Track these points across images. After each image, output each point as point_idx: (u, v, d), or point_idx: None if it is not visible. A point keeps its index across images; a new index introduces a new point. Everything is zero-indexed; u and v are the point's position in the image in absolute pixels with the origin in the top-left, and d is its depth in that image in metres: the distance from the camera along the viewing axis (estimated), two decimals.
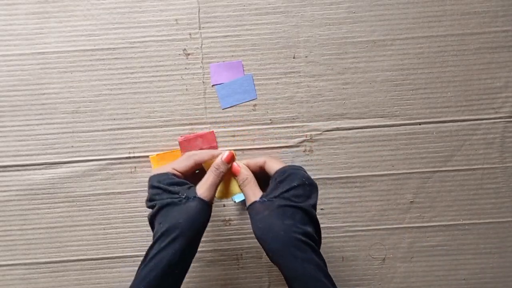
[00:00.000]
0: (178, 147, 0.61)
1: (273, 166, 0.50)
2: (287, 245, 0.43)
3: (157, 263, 0.44)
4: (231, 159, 0.50)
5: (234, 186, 0.55)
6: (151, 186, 0.48)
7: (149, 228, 0.49)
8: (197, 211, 0.46)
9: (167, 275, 0.44)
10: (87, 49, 0.60)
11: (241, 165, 0.51)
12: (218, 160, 0.50)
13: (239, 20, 0.60)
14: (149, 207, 0.49)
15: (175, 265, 0.44)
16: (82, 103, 0.61)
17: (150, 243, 0.46)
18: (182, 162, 0.50)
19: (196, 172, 0.54)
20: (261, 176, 0.51)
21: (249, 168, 0.51)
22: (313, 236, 0.45)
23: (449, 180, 0.62)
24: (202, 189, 0.48)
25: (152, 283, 0.43)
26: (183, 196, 0.46)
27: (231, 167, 0.51)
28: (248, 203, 0.48)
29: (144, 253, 0.46)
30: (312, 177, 0.50)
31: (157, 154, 0.61)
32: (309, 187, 0.47)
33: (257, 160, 0.52)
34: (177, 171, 0.49)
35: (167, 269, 0.44)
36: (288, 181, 0.47)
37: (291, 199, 0.45)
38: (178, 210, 0.46)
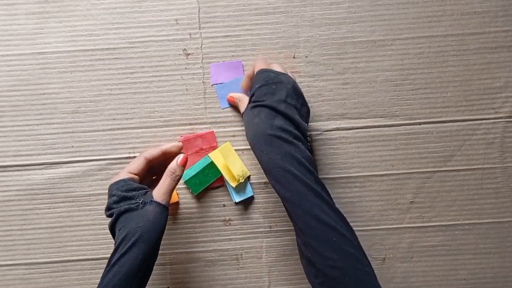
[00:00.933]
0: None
1: (256, 67, 0.55)
2: (257, 142, 0.49)
3: (119, 268, 0.45)
4: (185, 162, 0.51)
5: (236, 168, 0.59)
6: (110, 195, 0.49)
7: None
8: (155, 215, 0.47)
9: (130, 278, 0.45)
10: (87, 49, 0.60)
11: (236, 96, 0.58)
12: (173, 164, 0.50)
13: (239, 20, 0.60)
14: (108, 216, 0.49)
15: (137, 268, 0.45)
16: (82, 103, 0.61)
17: None
18: (134, 163, 0.51)
19: (154, 178, 0.55)
20: None
21: (249, 79, 0.57)
22: (281, 127, 0.48)
23: (449, 180, 0.62)
24: (159, 193, 0.49)
25: (116, 287, 0.44)
26: (140, 201, 0.47)
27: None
28: (241, 113, 0.56)
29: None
30: None
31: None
32: (274, 85, 0.51)
33: (251, 69, 0.56)
34: (132, 173, 0.50)
35: (129, 273, 0.45)
36: (254, 85, 0.52)
37: (255, 100, 0.51)
38: (136, 215, 0.47)
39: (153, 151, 0.52)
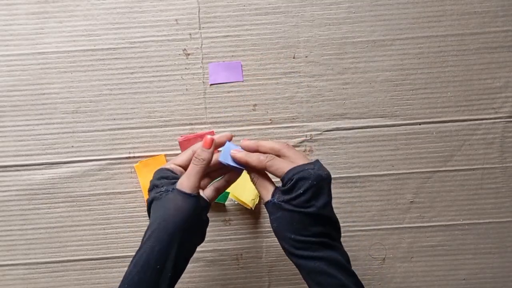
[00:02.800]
0: (163, 152, 0.61)
1: (282, 167, 0.46)
2: (296, 247, 0.44)
3: (137, 260, 0.44)
4: (210, 144, 0.47)
5: (246, 194, 0.57)
6: (150, 184, 0.48)
7: None
8: (175, 203, 0.44)
9: (149, 271, 0.43)
10: (87, 49, 0.60)
11: (244, 158, 0.47)
12: (197, 147, 0.48)
13: (239, 20, 0.60)
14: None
15: (154, 260, 0.43)
16: (82, 103, 0.61)
17: None
18: (182, 155, 0.49)
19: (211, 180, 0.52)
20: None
21: (258, 150, 0.48)
22: (324, 233, 0.45)
23: (449, 180, 0.62)
24: (182, 179, 0.46)
25: (135, 279, 0.43)
26: (163, 190, 0.45)
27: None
28: (263, 201, 0.47)
29: None
30: None
31: (140, 162, 0.61)
32: (317, 187, 0.44)
33: (267, 153, 0.48)
34: (177, 165, 0.49)
35: (146, 264, 0.43)
36: (297, 188, 0.44)
37: (299, 205, 0.44)
38: (158, 205, 0.45)
39: (200, 143, 0.49)
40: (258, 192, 0.48)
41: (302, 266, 0.44)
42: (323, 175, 0.45)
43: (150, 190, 0.47)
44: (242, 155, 0.47)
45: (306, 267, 0.44)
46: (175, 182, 0.46)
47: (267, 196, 0.46)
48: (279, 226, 0.45)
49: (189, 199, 0.45)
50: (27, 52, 0.60)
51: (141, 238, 0.45)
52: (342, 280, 0.43)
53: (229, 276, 0.63)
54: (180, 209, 0.45)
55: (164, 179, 0.46)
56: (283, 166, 0.46)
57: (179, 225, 0.44)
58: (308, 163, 0.46)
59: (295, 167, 0.45)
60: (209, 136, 0.47)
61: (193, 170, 0.46)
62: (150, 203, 0.46)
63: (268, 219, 0.47)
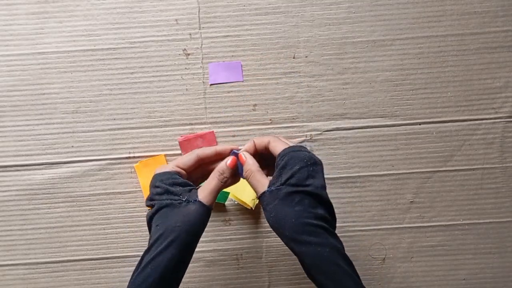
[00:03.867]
0: (163, 152, 0.61)
1: (276, 146, 0.48)
2: (299, 232, 0.43)
3: (153, 269, 0.43)
4: (235, 164, 0.48)
5: (246, 194, 0.57)
6: (153, 185, 0.47)
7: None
8: (196, 215, 0.45)
9: (164, 280, 0.43)
10: (87, 49, 0.60)
11: (245, 158, 0.48)
12: (222, 165, 0.48)
13: (239, 20, 0.60)
14: (148, 206, 0.48)
15: (172, 270, 0.43)
16: (82, 103, 0.61)
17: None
18: (185, 157, 0.49)
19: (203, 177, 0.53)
20: (268, 156, 0.49)
21: (255, 147, 0.49)
22: (325, 217, 0.44)
23: (449, 180, 0.62)
24: (204, 193, 0.46)
25: (155, 282, 0.42)
26: (184, 199, 0.45)
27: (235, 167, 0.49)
28: (257, 194, 0.47)
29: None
30: None
31: (140, 162, 0.61)
32: (312, 167, 0.45)
33: (262, 139, 0.49)
34: (180, 168, 0.48)
35: (164, 275, 0.43)
36: (290, 165, 0.45)
37: (297, 184, 0.44)
38: (176, 213, 0.45)
39: (206, 150, 0.50)
40: (252, 186, 0.47)
41: (306, 254, 0.43)
42: (316, 159, 0.46)
43: (160, 194, 0.46)
44: (246, 146, 0.49)
45: (310, 254, 0.43)
46: (191, 190, 0.46)
47: (263, 188, 0.46)
48: (277, 213, 0.44)
49: (208, 213, 0.46)
50: (27, 52, 0.60)
51: (151, 238, 0.44)
52: (345, 269, 0.43)
53: (229, 276, 0.63)
54: (201, 223, 0.46)
55: (178, 186, 0.46)
56: (279, 145, 0.47)
57: (198, 237, 0.46)
58: (302, 146, 0.47)
59: (290, 147, 0.47)
60: (233, 157, 0.48)
61: (216, 186, 0.47)
62: (162, 207, 0.45)
63: None
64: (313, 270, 0.43)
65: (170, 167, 0.48)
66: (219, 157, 0.50)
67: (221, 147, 0.50)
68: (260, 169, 0.48)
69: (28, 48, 0.60)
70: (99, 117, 0.61)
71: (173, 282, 0.45)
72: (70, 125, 0.61)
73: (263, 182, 0.47)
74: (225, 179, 0.48)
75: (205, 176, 0.51)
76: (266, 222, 0.62)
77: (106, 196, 0.61)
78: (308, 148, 0.62)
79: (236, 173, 0.49)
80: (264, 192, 0.46)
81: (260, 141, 0.49)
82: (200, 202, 0.45)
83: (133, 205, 0.62)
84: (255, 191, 0.47)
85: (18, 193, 0.61)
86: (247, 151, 0.49)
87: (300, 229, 0.43)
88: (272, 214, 0.45)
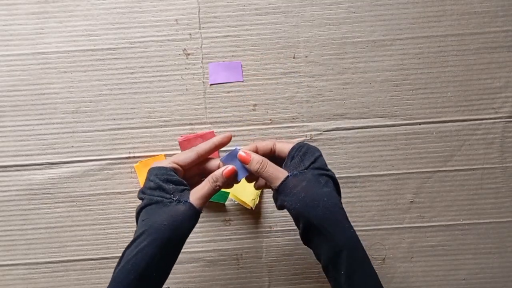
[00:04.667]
0: (163, 152, 0.61)
1: (284, 146, 0.48)
2: (333, 212, 0.43)
3: (134, 266, 0.42)
4: (231, 174, 0.47)
5: (246, 194, 0.57)
6: (148, 178, 0.46)
7: None
8: (184, 217, 0.44)
9: (145, 278, 0.42)
10: (87, 49, 0.60)
11: (249, 153, 0.47)
12: (218, 172, 0.47)
13: (239, 20, 0.60)
14: (139, 198, 0.46)
15: (153, 267, 0.42)
16: (82, 103, 0.61)
17: None
18: (184, 154, 0.48)
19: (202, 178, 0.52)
20: (271, 160, 0.48)
21: (257, 151, 0.49)
22: (342, 204, 0.45)
23: (449, 180, 0.62)
24: (196, 196, 0.45)
25: (130, 286, 0.41)
26: (174, 198, 0.44)
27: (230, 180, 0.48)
28: (277, 182, 0.45)
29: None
30: None
31: (140, 162, 0.61)
32: (324, 160, 0.48)
33: (267, 143, 0.49)
34: (177, 164, 0.47)
35: (144, 272, 0.42)
36: (311, 153, 0.46)
37: (321, 167, 0.45)
38: (165, 211, 0.44)
39: (205, 145, 0.49)
40: (269, 176, 0.46)
41: (339, 234, 0.42)
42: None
43: (152, 188, 0.45)
44: (248, 148, 0.48)
45: (344, 234, 0.42)
46: (183, 190, 0.46)
47: (284, 174, 0.45)
48: (308, 193, 0.43)
49: (197, 216, 0.45)
50: (27, 52, 0.60)
51: (136, 233, 0.44)
52: (366, 255, 0.44)
53: (229, 276, 0.63)
54: (188, 224, 0.44)
55: (172, 184, 0.45)
56: (287, 144, 0.48)
57: (183, 239, 0.45)
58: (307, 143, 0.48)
59: (301, 141, 0.48)
60: (231, 167, 0.47)
61: (209, 191, 0.46)
62: (152, 203, 0.44)
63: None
64: (345, 250, 0.42)
65: (167, 162, 0.47)
66: (218, 148, 0.49)
67: (218, 138, 0.49)
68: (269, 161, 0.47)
69: (28, 48, 0.60)
70: (99, 117, 0.61)
71: (154, 280, 0.44)
72: (70, 125, 0.61)
73: (280, 169, 0.46)
74: (218, 186, 0.47)
75: (200, 174, 0.50)
76: (266, 222, 0.62)
77: (106, 196, 0.61)
78: None
79: (230, 182, 0.48)
80: (287, 177, 0.45)
81: (264, 144, 0.49)
82: (190, 203, 0.44)
83: (133, 205, 0.62)
84: (272, 181, 0.46)
85: (18, 193, 0.61)
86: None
87: (333, 209, 0.43)
88: (301, 195, 0.43)
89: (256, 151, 0.48)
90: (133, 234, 0.63)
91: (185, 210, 0.44)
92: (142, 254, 0.42)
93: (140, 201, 0.46)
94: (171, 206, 0.44)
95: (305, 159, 0.46)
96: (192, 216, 0.44)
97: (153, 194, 0.45)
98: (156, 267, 0.42)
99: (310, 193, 0.43)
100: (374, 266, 0.44)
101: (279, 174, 0.45)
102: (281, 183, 0.45)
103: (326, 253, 0.43)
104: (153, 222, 0.43)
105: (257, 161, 0.46)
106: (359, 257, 0.43)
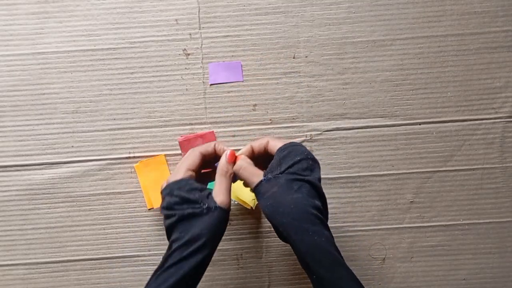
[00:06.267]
0: (163, 152, 0.61)
1: (275, 144, 0.49)
2: (298, 219, 0.43)
3: (177, 270, 0.43)
4: (234, 157, 0.49)
5: (247, 193, 0.57)
6: (169, 194, 0.47)
7: (150, 228, 0.49)
8: (219, 222, 0.46)
9: (184, 282, 0.44)
10: (87, 49, 0.60)
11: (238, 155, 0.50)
12: (223, 163, 0.48)
13: (239, 20, 0.60)
14: (166, 216, 0.47)
15: (194, 274, 0.44)
16: (82, 103, 0.61)
17: (150, 242, 0.45)
18: (191, 159, 0.48)
19: (206, 171, 0.53)
20: (266, 159, 0.49)
21: (253, 151, 0.50)
22: (321, 209, 0.45)
23: (449, 180, 0.62)
24: (220, 197, 0.47)
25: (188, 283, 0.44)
26: (204, 206, 0.45)
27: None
28: (253, 186, 0.47)
29: (162, 257, 0.46)
30: None
31: (140, 162, 0.61)
32: (312, 162, 0.47)
33: (261, 141, 0.50)
34: (191, 170, 0.48)
35: (186, 277, 0.43)
36: (291, 156, 0.46)
37: (296, 172, 0.45)
38: (200, 220, 0.45)
39: (207, 147, 0.50)
40: (246, 179, 0.48)
41: (302, 241, 0.43)
42: (314, 157, 0.47)
43: (179, 203, 0.46)
44: (244, 150, 0.50)
45: (306, 242, 0.43)
46: (208, 194, 0.47)
47: (258, 178, 0.46)
48: (276, 200, 0.44)
49: (228, 216, 0.47)
50: (27, 52, 0.60)
51: (175, 243, 0.45)
52: (339, 258, 0.44)
53: (229, 276, 0.63)
54: (223, 228, 0.47)
55: (196, 192, 0.46)
56: (278, 143, 0.48)
57: (220, 241, 0.47)
58: (299, 143, 0.49)
59: (290, 142, 0.48)
60: (229, 151, 0.49)
61: (227, 184, 0.48)
62: (184, 217, 0.45)
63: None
64: (308, 257, 0.44)
65: (183, 172, 0.47)
66: (217, 153, 0.50)
67: (218, 145, 0.50)
68: (251, 162, 0.48)
69: (28, 48, 0.60)
70: (99, 117, 0.61)
71: (193, 285, 0.46)
72: (70, 125, 0.61)
73: (257, 172, 0.47)
74: (231, 174, 0.48)
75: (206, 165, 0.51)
76: (266, 222, 0.62)
77: (106, 196, 0.61)
78: (308, 148, 0.62)
79: (235, 162, 0.49)
80: (261, 181, 0.46)
81: (259, 143, 0.50)
82: (220, 207, 0.46)
83: (133, 205, 0.62)
84: (249, 184, 0.47)
85: (18, 193, 0.61)
86: (244, 154, 0.50)
87: (299, 216, 0.43)
88: (269, 202, 0.45)
89: (252, 152, 0.49)
90: (133, 234, 0.63)
91: (218, 215, 0.46)
92: (186, 261, 0.44)
93: (168, 217, 0.47)
94: (204, 215, 0.45)
95: (283, 163, 0.46)
96: (225, 219, 0.47)
97: (183, 208, 0.45)
98: (195, 272, 0.45)
99: (277, 199, 0.44)
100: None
101: (254, 178, 0.47)
102: (255, 187, 0.46)
103: (297, 257, 0.45)
104: (194, 233, 0.45)
105: (236, 165, 0.48)
106: (327, 263, 0.43)
